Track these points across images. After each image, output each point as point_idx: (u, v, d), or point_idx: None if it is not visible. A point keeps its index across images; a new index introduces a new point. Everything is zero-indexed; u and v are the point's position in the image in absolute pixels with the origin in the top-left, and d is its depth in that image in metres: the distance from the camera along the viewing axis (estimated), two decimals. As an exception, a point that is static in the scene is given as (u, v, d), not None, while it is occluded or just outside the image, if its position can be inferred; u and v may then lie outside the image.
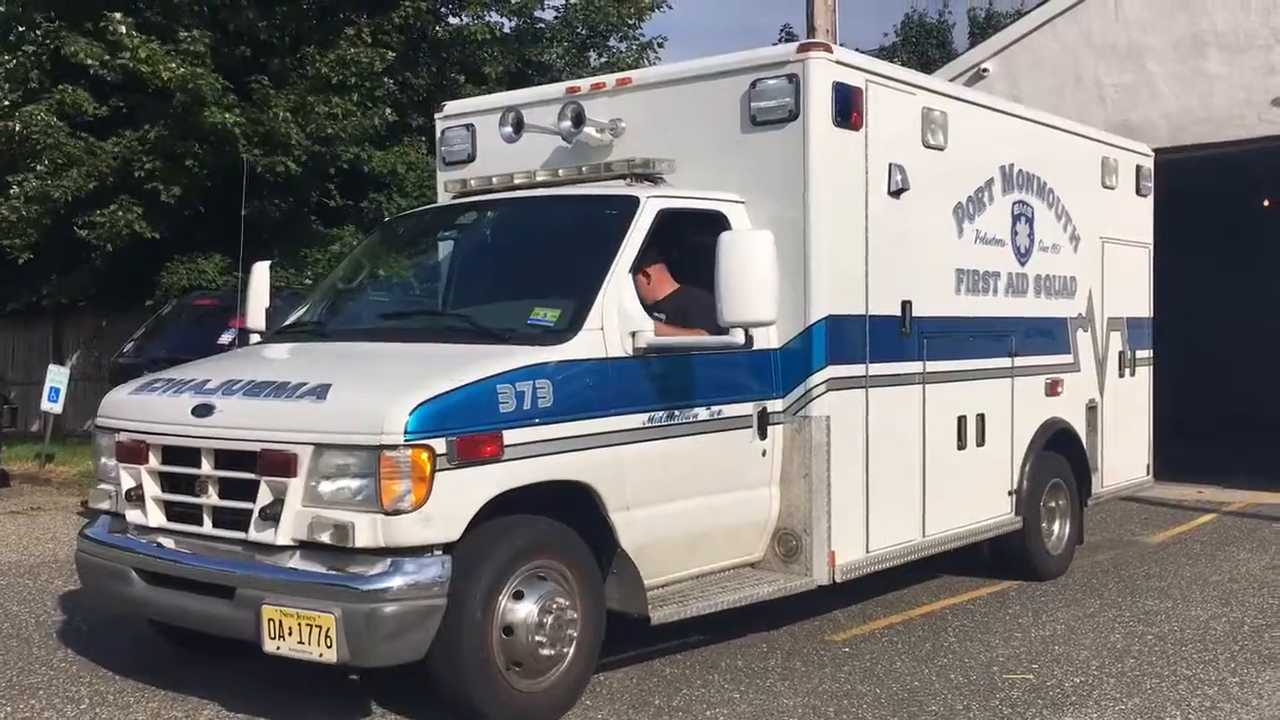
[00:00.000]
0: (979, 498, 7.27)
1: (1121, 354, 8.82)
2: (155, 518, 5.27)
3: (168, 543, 5.25)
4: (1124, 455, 8.84)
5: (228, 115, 13.11)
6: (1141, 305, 9.17)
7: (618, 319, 5.34)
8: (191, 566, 5.11)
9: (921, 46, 34.72)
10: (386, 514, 4.60)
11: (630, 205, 5.65)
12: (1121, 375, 8.82)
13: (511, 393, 4.92)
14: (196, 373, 5.55)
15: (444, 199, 7.00)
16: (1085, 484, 8.30)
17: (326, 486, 4.72)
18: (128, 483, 5.34)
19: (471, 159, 7.06)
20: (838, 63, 6.13)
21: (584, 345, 5.22)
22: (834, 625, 6.75)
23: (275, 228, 14.48)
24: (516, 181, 6.37)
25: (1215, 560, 8.57)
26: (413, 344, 5.52)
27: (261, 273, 6.55)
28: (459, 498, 4.73)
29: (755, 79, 6.05)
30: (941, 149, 6.84)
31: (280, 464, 4.78)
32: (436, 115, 7.48)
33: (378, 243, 7.23)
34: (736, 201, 6.01)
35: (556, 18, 17.26)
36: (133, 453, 5.30)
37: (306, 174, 14.04)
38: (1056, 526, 8.01)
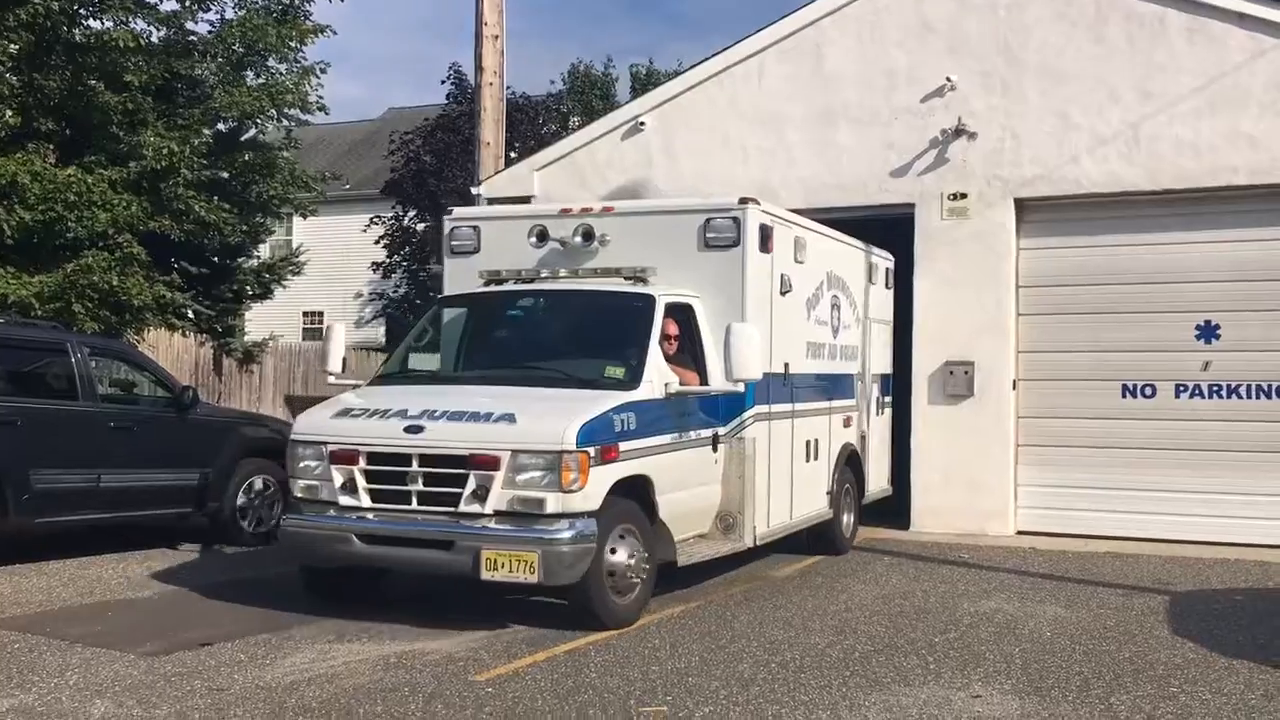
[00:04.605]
0: (813, 495, 10.40)
1: (878, 399, 12.19)
2: (365, 501, 7.72)
3: (370, 516, 7.72)
4: (878, 470, 12.26)
5: None
6: (887, 365, 12.49)
7: (657, 374, 8.18)
8: (414, 530, 7.58)
9: (586, 96, 35.88)
10: (564, 492, 7.30)
11: (650, 300, 8.53)
12: (878, 414, 12.21)
13: (620, 420, 7.72)
14: (389, 403, 7.96)
15: (455, 279, 9.75)
16: (861, 488, 11.65)
17: (521, 476, 7.36)
18: (339, 479, 7.75)
19: (477, 251, 9.66)
20: (763, 211, 9.20)
21: (644, 391, 8.04)
22: (479, 665, 6.72)
23: None
24: (543, 275, 9.17)
25: (834, 592, 9.25)
26: (533, 388, 8.06)
27: (339, 331, 9.19)
28: (600, 483, 7.49)
29: (709, 217, 8.99)
30: (803, 263, 9.97)
31: (488, 463, 7.38)
32: (445, 216, 10.18)
33: (439, 313, 9.50)
34: (696, 297, 8.86)
35: (211, 32, 16.39)
36: (346, 458, 7.75)
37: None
38: (847, 517, 11.22)
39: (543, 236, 9.25)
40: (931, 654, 7.22)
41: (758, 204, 9.10)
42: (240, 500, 11.07)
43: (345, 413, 8.06)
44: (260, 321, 24.75)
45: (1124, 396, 12.15)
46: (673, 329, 8.62)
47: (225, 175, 16.27)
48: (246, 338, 17.16)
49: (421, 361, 9.44)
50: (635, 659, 6.95)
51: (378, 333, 31.28)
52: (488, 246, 9.64)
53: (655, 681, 6.47)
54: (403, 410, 7.78)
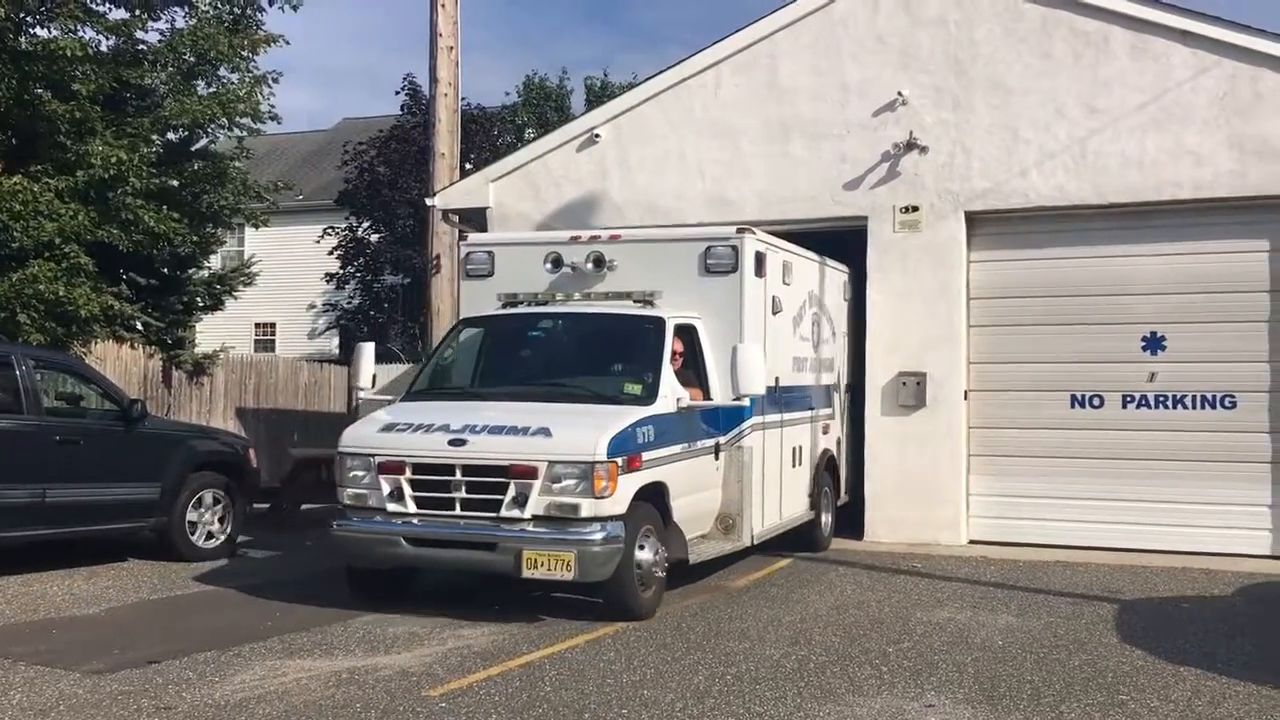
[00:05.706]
0: (797, 498, 11.20)
1: (844, 409, 12.80)
2: (411, 507, 8.40)
3: (416, 521, 8.37)
4: (845, 475, 12.79)
5: None
6: (845, 375, 12.89)
7: (670, 390, 8.93)
8: (458, 533, 8.30)
9: (541, 108, 35.87)
10: (596, 498, 8.04)
11: (661, 322, 9.30)
12: (845, 422, 12.82)
13: (641, 432, 8.46)
14: (429, 418, 8.65)
15: (469, 300, 10.47)
16: (838, 491, 12.40)
17: (557, 485, 8.09)
18: (387, 487, 8.44)
19: (491, 275, 10.30)
20: (758, 240, 9.99)
21: (659, 406, 8.78)
22: (432, 680, 6.66)
23: None
24: (557, 297, 9.90)
25: (789, 602, 9.28)
26: (561, 403, 8.79)
27: (369, 350, 9.81)
28: (626, 490, 8.24)
29: (709, 245, 9.74)
30: (790, 285, 10.81)
31: (527, 472, 8.12)
32: (461, 242, 11.21)
33: (461, 333, 10.13)
34: (699, 318, 9.61)
35: (161, 41, 16.18)
36: (393, 469, 8.44)
37: None
38: (826, 518, 11.90)
39: (557, 263, 9.86)
40: (885, 664, 7.26)
41: (753, 233, 9.90)
42: (190, 515, 10.93)
43: (390, 427, 8.74)
44: (211, 333, 24.41)
45: (1073, 407, 12.32)
46: (679, 347, 9.31)
47: (175, 184, 16.01)
48: (197, 350, 16.85)
49: (447, 377, 9.97)
50: (590, 672, 6.93)
51: (331, 344, 30.99)
52: (501, 270, 10.25)
53: (610, 695, 6.46)
54: (445, 425, 8.49)
